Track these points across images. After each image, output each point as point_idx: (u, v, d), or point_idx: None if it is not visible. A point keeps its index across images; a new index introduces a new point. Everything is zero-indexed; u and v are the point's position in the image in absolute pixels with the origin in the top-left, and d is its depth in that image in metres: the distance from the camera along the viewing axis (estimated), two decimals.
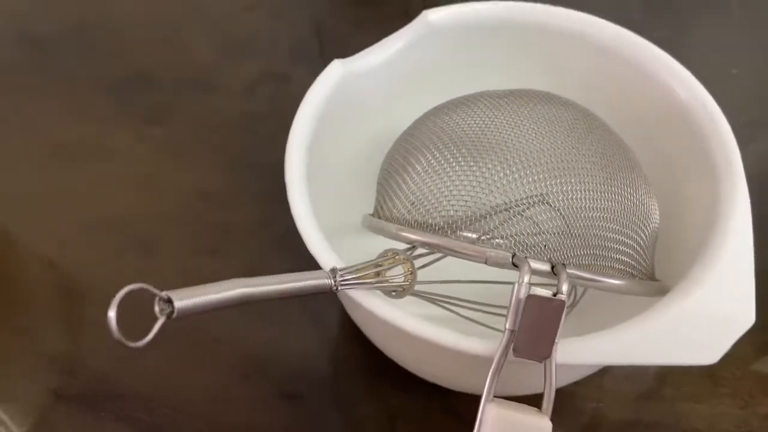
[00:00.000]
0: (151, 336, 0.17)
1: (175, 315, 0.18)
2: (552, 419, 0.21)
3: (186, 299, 0.18)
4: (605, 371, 0.32)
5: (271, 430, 0.31)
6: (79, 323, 0.33)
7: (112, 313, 0.17)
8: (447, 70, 0.31)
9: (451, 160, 0.25)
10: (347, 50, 0.30)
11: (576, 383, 0.31)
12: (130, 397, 0.31)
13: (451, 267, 0.29)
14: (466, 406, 0.31)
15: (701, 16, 0.45)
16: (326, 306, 0.34)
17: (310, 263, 0.24)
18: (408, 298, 0.25)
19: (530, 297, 0.20)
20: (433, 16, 0.30)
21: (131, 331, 0.19)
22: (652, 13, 0.45)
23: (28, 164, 0.38)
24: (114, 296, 0.16)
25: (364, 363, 0.32)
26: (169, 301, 0.18)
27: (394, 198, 0.26)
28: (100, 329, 0.33)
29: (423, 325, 0.22)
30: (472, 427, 0.30)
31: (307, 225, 0.24)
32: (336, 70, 0.29)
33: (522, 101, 0.27)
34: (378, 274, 0.23)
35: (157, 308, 0.18)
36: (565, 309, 0.21)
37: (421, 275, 0.25)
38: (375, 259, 0.24)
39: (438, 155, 0.25)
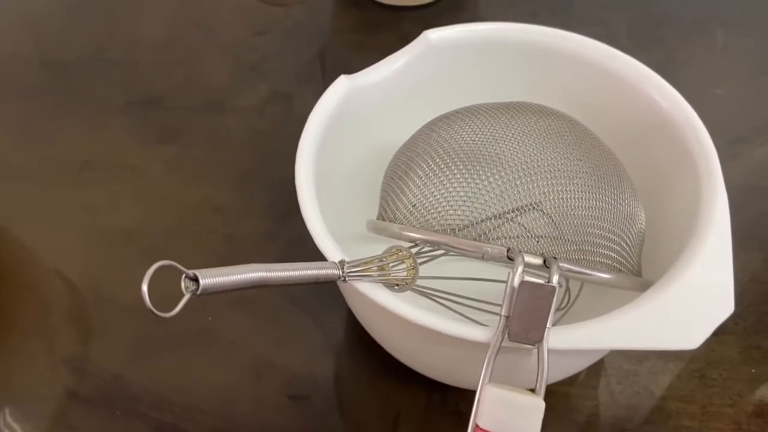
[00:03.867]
0: (178, 309, 0.19)
1: (199, 292, 0.19)
2: (548, 418, 0.22)
3: (210, 278, 0.19)
4: (599, 372, 0.33)
5: (279, 429, 0.32)
6: (94, 327, 0.35)
7: (145, 287, 0.18)
8: (445, 85, 0.33)
9: (451, 167, 0.27)
10: (347, 72, 0.32)
11: (571, 384, 0.33)
12: (144, 397, 0.32)
13: (448, 268, 0.30)
14: (466, 405, 0.32)
15: (685, 41, 0.47)
16: (331, 310, 0.35)
17: None
18: (407, 296, 0.26)
19: (524, 282, 0.22)
20: (433, 35, 0.32)
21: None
22: (639, 39, 0.47)
23: (48, 179, 0.40)
24: (141, 288, 0.18)
25: (367, 365, 0.33)
26: (195, 279, 0.19)
27: (397, 201, 0.28)
28: (114, 333, 0.35)
29: (425, 314, 0.23)
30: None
31: (316, 223, 0.26)
32: (342, 84, 0.31)
33: (514, 113, 0.29)
34: (382, 268, 0.25)
35: (183, 285, 0.19)
36: (560, 311, 0.22)
37: (420, 273, 0.26)
38: (380, 255, 0.25)
39: (439, 162, 0.27)
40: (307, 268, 0.22)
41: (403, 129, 0.32)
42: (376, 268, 0.25)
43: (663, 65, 0.32)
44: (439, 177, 0.27)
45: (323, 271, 0.22)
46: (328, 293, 0.35)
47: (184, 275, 0.19)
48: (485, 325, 0.25)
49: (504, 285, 0.26)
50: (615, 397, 0.33)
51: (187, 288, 0.19)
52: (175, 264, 0.19)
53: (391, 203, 0.28)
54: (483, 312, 0.29)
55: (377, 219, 0.30)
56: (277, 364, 0.33)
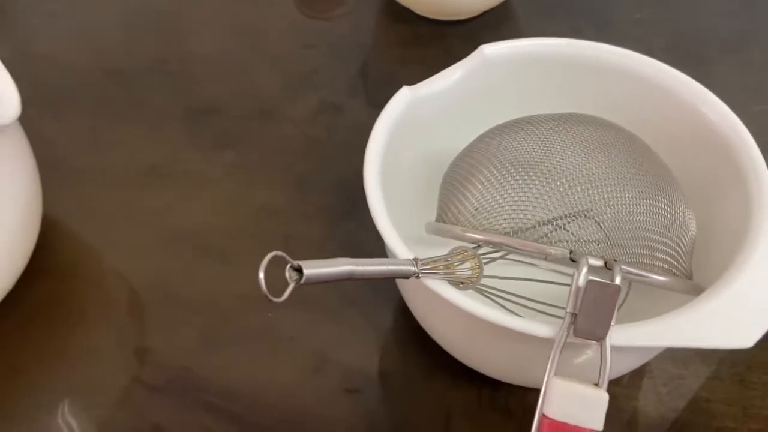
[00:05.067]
0: (286, 295, 0.21)
1: (302, 281, 0.21)
2: None
3: (312, 268, 0.21)
4: (644, 375, 0.35)
5: (336, 422, 0.33)
6: (159, 323, 0.36)
7: (261, 274, 0.20)
8: (499, 97, 0.35)
9: (513, 173, 0.29)
10: (393, 85, 0.34)
11: (617, 385, 0.34)
12: (211, 388, 0.34)
13: (499, 271, 0.32)
14: (515, 401, 0.33)
15: (722, 57, 0.49)
16: (382, 307, 0.37)
17: None
18: (467, 294, 0.28)
19: (591, 282, 0.23)
20: (488, 50, 0.34)
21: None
22: (676, 55, 0.48)
23: (113, 182, 0.42)
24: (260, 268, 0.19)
25: (418, 360, 0.35)
26: (299, 270, 0.21)
27: (459, 206, 0.30)
28: (180, 328, 0.36)
29: (496, 311, 0.25)
30: (520, 421, 0.33)
31: (386, 226, 0.28)
32: (404, 95, 0.33)
33: (570, 123, 0.30)
34: (448, 267, 0.26)
35: (287, 275, 0.21)
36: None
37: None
38: (446, 254, 0.27)
39: (501, 169, 0.29)
40: (388, 264, 0.23)
41: (459, 137, 0.34)
42: (442, 266, 0.26)
43: (700, 81, 0.33)
44: (501, 183, 0.29)
45: (401, 267, 0.24)
46: (379, 291, 0.37)
47: (289, 265, 0.21)
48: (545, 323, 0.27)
49: (559, 287, 0.28)
50: (660, 399, 0.34)
51: (291, 277, 0.21)
52: (283, 255, 0.21)
53: (452, 207, 0.30)
54: (537, 312, 0.30)
55: (436, 221, 0.31)
56: (333, 359, 0.35)
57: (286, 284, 0.21)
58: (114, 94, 0.47)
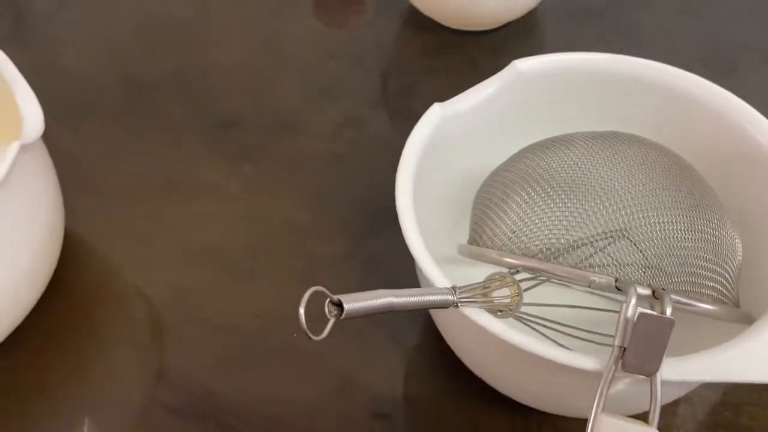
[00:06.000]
0: (326, 332, 0.20)
1: (343, 316, 0.20)
2: None
3: (352, 302, 0.20)
4: (681, 400, 0.33)
5: None
6: (180, 342, 0.35)
7: (302, 310, 0.19)
8: (533, 114, 0.34)
9: (551, 195, 0.27)
10: (416, 97, 0.33)
11: None
12: (232, 409, 0.33)
13: (536, 295, 0.31)
14: (549, 429, 0.32)
15: (756, 67, 0.47)
16: (409, 329, 0.36)
17: None
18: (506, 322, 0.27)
19: (642, 315, 0.22)
20: (521, 65, 0.33)
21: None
22: (710, 65, 0.47)
23: (134, 196, 0.41)
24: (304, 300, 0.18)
25: (448, 384, 0.34)
26: (339, 305, 0.20)
27: (495, 228, 0.28)
28: (201, 348, 0.35)
29: (539, 343, 0.24)
30: None
31: (422, 252, 0.27)
32: (435, 112, 0.32)
33: (611, 142, 0.29)
34: (486, 294, 0.25)
35: (327, 309, 0.20)
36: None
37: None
38: (484, 281, 0.26)
39: (538, 190, 0.28)
40: (426, 294, 0.22)
41: (491, 155, 0.33)
42: (480, 294, 0.25)
43: (733, 92, 0.32)
44: (539, 204, 0.27)
45: (440, 297, 0.23)
46: (404, 313, 0.36)
47: (328, 300, 0.20)
48: (589, 353, 0.25)
49: (603, 314, 0.26)
50: (700, 427, 0.33)
51: (330, 312, 0.20)
52: (323, 290, 0.20)
53: (487, 229, 0.29)
54: (579, 339, 0.29)
55: (470, 243, 0.30)
56: (360, 382, 0.34)
57: (323, 316, 0.20)
58: (133, 106, 0.46)
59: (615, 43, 0.49)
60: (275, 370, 0.34)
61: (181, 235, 0.40)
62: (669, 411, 0.33)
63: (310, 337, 0.19)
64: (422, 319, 0.36)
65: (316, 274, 0.38)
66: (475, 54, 0.49)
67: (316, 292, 0.19)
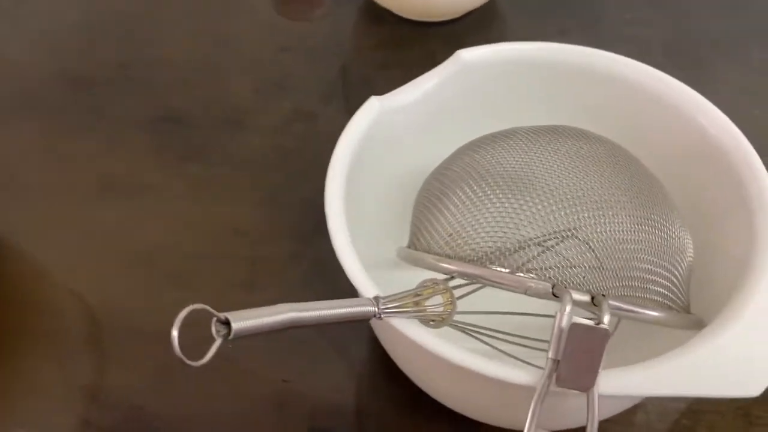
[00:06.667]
0: (208, 357, 0.18)
1: (231, 336, 0.18)
2: None
3: (242, 321, 0.18)
4: (637, 408, 0.32)
5: None
6: (111, 355, 0.34)
7: (175, 332, 0.17)
8: (478, 107, 0.32)
9: (489, 193, 0.26)
10: (372, 91, 0.31)
11: (608, 420, 0.31)
12: (163, 428, 0.31)
13: (482, 299, 0.29)
14: None
15: (721, 59, 0.46)
16: (353, 339, 0.34)
17: (341, 294, 0.24)
18: (442, 331, 0.25)
19: (574, 325, 0.21)
20: (466, 55, 0.31)
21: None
22: (674, 57, 0.46)
23: (67, 198, 0.39)
24: (175, 320, 0.16)
25: (392, 397, 0.32)
26: (227, 323, 0.18)
27: (432, 231, 0.27)
28: (132, 360, 0.33)
29: (468, 355, 0.22)
30: None
31: (348, 257, 0.25)
32: (373, 106, 0.30)
33: (555, 137, 0.28)
34: (417, 303, 0.24)
35: (214, 329, 0.18)
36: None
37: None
38: (415, 289, 0.24)
39: (476, 188, 0.26)
40: (341, 306, 0.21)
41: (435, 151, 0.31)
42: (411, 303, 0.23)
43: (697, 84, 0.31)
44: (477, 205, 0.26)
45: (358, 309, 0.21)
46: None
47: (214, 318, 0.18)
48: (528, 363, 0.24)
49: (546, 318, 0.25)
50: None
51: (218, 332, 0.18)
52: (206, 307, 0.18)
53: (425, 232, 0.27)
54: (522, 347, 0.27)
55: (409, 247, 0.28)
56: (299, 394, 0.32)
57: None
58: (70, 100, 0.44)
59: (576, 34, 0.47)
60: (211, 384, 0.32)
61: (116, 239, 0.38)
62: (622, 420, 0.31)
63: (186, 363, 0.17)
64: (365, 326, 0.34)
65: (260, 278, 0.37)
66: (434, 46, 0.47)
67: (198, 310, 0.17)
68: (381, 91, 0.32)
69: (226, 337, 0.18)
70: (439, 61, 0.33)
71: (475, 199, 0.26)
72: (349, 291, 0.29)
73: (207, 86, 0.45)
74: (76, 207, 0.39)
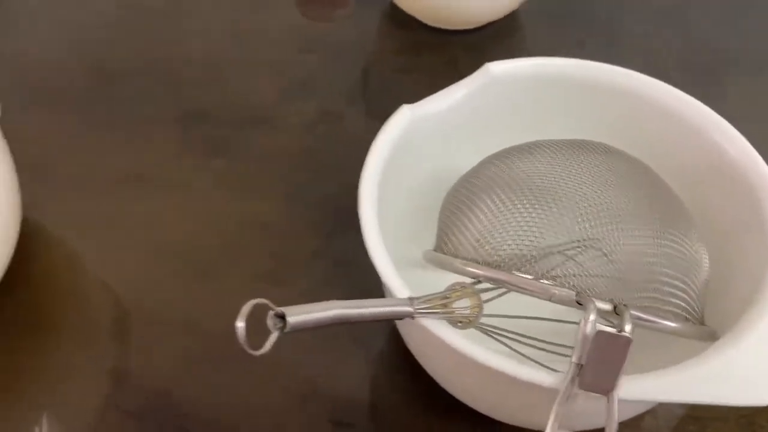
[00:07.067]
0: (267, 347, 0.19)
1: (286, 329, 0.19)
2: None
3: (297, 315, 0.19)
4: (646, 413, 0.33)
5: None
6: (140, 342, 0.35)
7: (241, 324, 0.18)
8: (505, 119, 0.33)
9: (516, 202, 0.27)
10: (395, 94, 0.32)
11: (619, 423, 0.33)
12: (191, 413, 0.32)
13: (506, 304, 0.30)
14: None
15: (735, 74, 0.47)
16: (375, 335, 0.35)
17: (362, 293, 0.25)
18: (467, 333, 0.26)
19: (599, 332, 0.22)
20: (495, 68, 0.32)
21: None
22: (688, 72, 0.47)
23: (95, 190, 0.40)
24: (240, 312, 0.18)
25: (412, 394, 0.33)
26: (282, 317, 0.19)
27: (459, 236, 0.28)
28: (160, 348, 0.34)
29: (496, 357, 0.23)
30: None
31: (382, 259, 0.26)
32: (404, 114, 0.31)
33: (579, 151, 0.29)
34: (445, 305, 0.25)
35: (270, 323, 0.19)
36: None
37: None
38: (444, 291, 0.25)
39: (503, 197, 0.27)
40: (381, 305, 0.22)
41: (460, 159, 0.32)
42: (440, 305, 0.25)
43: (714, 101, 0.32)
44: (504, 213, 0.27)
45: (396, 308, 0.22)
46: None
47: (271, 312, 0.19)
48: (546, 366, 0.25)
49: (567, 325, 0.26)
50: None
51: (274, 325, 0.19)
52: (266, 302, 0.19)
53: (452, 237, 0.28)
54: (542, 352, 0.28)
55: (435, 251, 0.29)
56: (323, 388, 0.33)
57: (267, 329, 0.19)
58: (102, 95, 0.45)
59: (593, 47, 0.48)
60: (237, 374, 0.34)
61: (144, 230, 0.39)
62: (633, 424, 0.33)
63: (250, 352, 0.18)
64: (388, 324, 0.35)
65: (284, 273, 0.38)
66: (455, 54, 0.48)
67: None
68: (404, 94, 0.33)
69: (282, 329, 0.20)
70: (461, 68, 0.34)
71: (502, 208, 0.27)
72: (372, 289, 0.30)
73: (233, 84, 0.46)
74: (106, 198, 0.40)
